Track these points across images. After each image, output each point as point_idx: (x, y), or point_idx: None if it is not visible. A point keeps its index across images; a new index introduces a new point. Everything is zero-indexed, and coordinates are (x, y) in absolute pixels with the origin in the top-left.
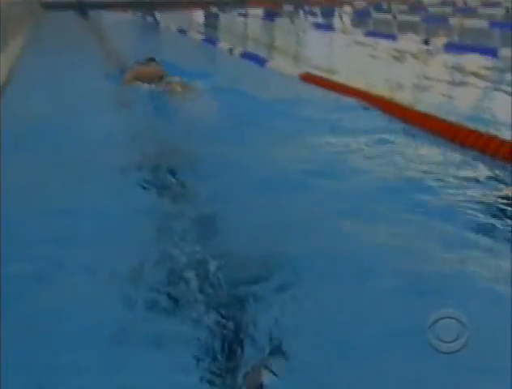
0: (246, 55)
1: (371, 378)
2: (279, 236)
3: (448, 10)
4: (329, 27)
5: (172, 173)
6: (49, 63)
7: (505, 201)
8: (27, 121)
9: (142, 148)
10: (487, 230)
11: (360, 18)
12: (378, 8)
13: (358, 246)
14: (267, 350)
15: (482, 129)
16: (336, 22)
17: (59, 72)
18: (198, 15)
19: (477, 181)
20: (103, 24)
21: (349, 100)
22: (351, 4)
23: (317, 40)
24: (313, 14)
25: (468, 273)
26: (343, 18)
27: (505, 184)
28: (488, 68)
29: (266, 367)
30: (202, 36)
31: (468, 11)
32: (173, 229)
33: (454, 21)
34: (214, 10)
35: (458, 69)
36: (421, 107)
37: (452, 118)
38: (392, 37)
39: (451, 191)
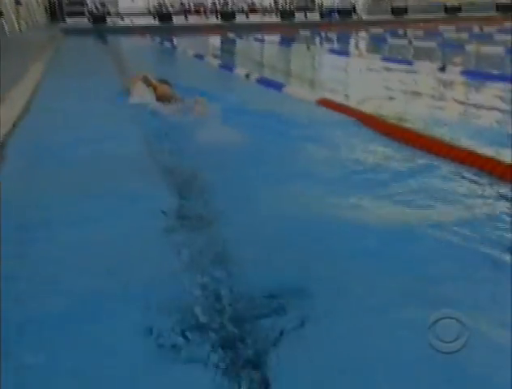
0: (263, 81)
1: None
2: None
3: (464, 35)
4: (345, 53)
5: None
6: (68, 87)
7: None
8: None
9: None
10: None
11: (376, 43)
12: (394, 33)
13: None
14: None
15: None
16: (352, 47)
17: (76, 95)
18: (215, 40)
19: None
20: (121, 49)
21: (367, 130)
22: (366, 30)
23: (334, 66)
24: (329, 39)
25: None
26: (359, 43)
27: None
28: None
29: None
30: (219, 61)
31: (484, 37)
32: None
33: (470, 47)
34: (231, 35)
35: (477, 96)
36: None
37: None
38: (408, 63)
39: None
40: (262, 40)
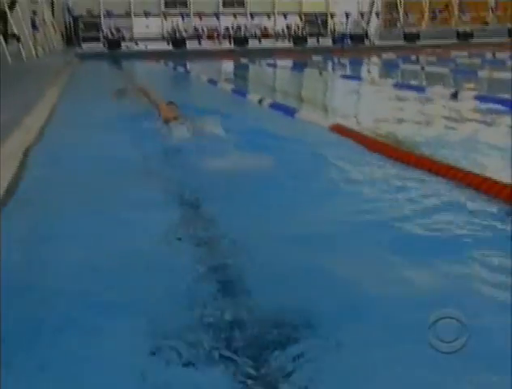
0: (275, 106)
1: None
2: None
3: (477, 61)
4: (357, 78)
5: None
6: (83, 110)
7: None
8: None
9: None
10: None
11: (388, 68)
12: (406, 59)
13: None
14: None
15: None
16: (364, 73)
17: (90, 118)
18: (228, 65)
19: None
20: (135, 73)
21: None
22: (379, 55)
23: (346, 91)
24: (342, 65)
25: None
26: (371, 69)
27: None
28: None
29: None
30: (232, 86)
31: (497, 63)
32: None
33: (483, 73)
34: (243, 60)
35: (489, 122)
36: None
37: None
38: (421, 90)
39: None
40: (274, 66)
